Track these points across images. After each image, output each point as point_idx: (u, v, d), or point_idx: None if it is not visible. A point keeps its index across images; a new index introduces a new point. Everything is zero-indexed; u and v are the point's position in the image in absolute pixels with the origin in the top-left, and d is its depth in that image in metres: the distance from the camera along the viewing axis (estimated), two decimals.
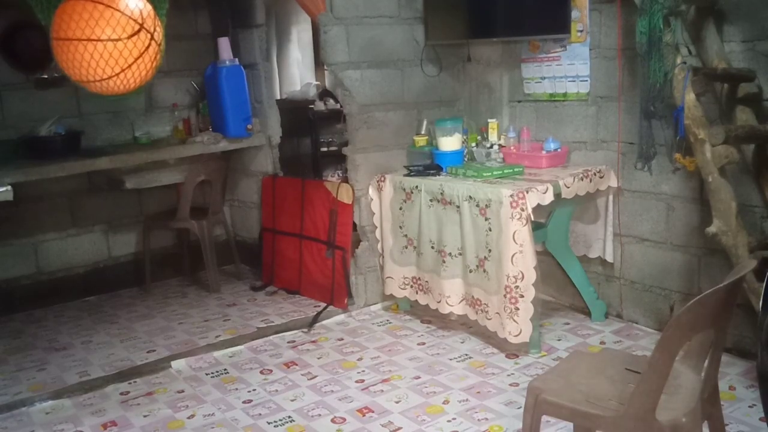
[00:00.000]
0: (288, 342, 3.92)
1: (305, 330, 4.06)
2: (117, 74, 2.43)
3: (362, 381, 3.39)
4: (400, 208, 3.96)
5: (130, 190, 4.75)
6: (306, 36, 5.86)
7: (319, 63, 5.75)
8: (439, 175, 3.90)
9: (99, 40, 2.35)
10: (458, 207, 3.62)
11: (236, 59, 4.71)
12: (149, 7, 2.56)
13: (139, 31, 2.40)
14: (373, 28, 4.16)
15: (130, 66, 2.42)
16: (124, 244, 5.05)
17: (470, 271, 3.62)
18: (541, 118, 4.13)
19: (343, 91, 4.20)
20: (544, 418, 2.16)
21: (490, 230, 3.47)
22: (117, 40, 2.37)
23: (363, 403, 3.18)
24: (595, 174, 3.69)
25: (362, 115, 4.17)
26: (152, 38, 2.47)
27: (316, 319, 4.16)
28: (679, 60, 3.12)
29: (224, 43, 4.68)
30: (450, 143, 4.00)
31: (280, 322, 4.21)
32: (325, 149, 5.35)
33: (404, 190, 3.92)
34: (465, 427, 2.92)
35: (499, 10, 3.99)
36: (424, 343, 3.79)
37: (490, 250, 3.49)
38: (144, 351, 3.91)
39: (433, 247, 3.79)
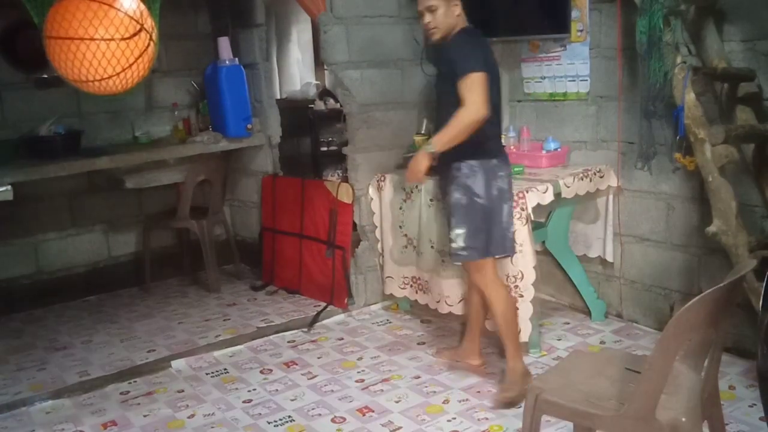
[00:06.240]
0: (288, 341, 3.92)
1: (305, 329, 4.06)
2: (117, 74, 2.43)
3: (362, 380, 3.39)
4: (400, 208, 3.96)
5: (130, 190, 4.74)
6: (306, 36, 5.85)
7: (319, 63, 5.74)
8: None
9: (102, 39, 2.35)
10: None
11: (236, 59, 4.71)
12: (144, 7, 2.56)
13: (140, 31, 2.40)
14: (373, 27, 4.16)
15: (130, 66, 2.43)
16: (124, 244, 5.05)
17: None
18: (541, 117, 4.13)
19: (343, 91, 4.19)
20: (544, 417, 2.16)
21: None
22: (120, 39, 2.37)
23: (363, 402, 3.18)
24: (595, 174, 3.69)
25: (362, 115, 4.17)
26: (151, 38, 2.47)
27: (316, 318, 4.16)
28: (679, 60, 3.12)
29: (224, 43, 4.68)
30: None
31: (280, 321, 4.22)
32: (325, 149, 5.33)
33: (404, 189, 3.91)
34: (465, 427, 2.93)
35: (499, 9, 3.99)
36: (423, 343, 3.79)
37: None
38: (144, 351, 3.91)
39: (432, 247, 3.79)
